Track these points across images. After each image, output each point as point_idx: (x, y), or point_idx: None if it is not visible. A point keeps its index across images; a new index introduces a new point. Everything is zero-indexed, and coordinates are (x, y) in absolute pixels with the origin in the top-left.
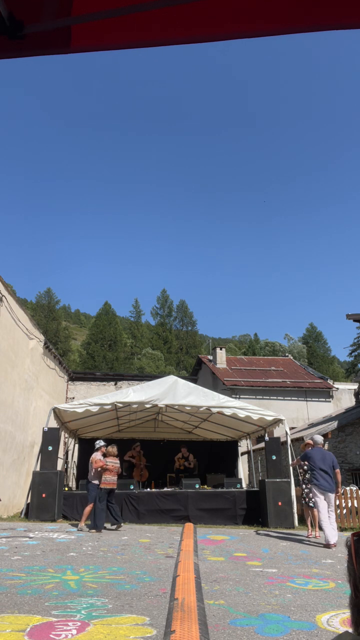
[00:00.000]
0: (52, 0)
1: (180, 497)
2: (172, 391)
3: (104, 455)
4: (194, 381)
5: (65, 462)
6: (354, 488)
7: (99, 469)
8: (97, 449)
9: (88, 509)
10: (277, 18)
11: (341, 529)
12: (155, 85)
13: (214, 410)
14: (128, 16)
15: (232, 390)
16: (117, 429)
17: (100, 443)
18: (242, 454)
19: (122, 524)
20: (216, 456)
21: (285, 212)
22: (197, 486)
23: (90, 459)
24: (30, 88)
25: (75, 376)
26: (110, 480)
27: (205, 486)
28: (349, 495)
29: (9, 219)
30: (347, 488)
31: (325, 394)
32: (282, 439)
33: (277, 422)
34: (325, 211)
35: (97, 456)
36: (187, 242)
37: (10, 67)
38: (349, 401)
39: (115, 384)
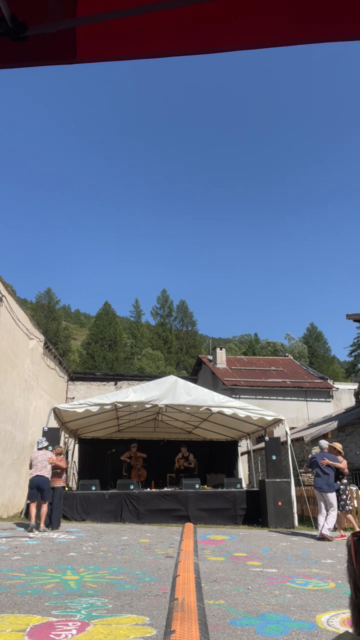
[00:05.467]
0: (56, 2)
1: (180, 497)
2: (172, 391)
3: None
4: (194, 381)
5: (65, 462)
6: (354, 488)
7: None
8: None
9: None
10: (281, 30)
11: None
12: (155, 84)
13: (214, 410)
14: (134, 26)
15: (232, 390)
16: (117, 429)
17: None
18: (242, 454)
19: (43, 528)
20: (216, 456)
21: (286, 211)
22: (197, 486)
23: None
24: (32, 85)
25: (75, 376)
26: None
27: (205, 486)
28: (349, 496)
29: (9, 219)
30: (348, 488)
31: (325, 394)
32: (282, 439)
33: (277, 422)
34: (325, 211)
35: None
36: (187, 241)
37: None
38: (349, 401)
39: (115, 384)
